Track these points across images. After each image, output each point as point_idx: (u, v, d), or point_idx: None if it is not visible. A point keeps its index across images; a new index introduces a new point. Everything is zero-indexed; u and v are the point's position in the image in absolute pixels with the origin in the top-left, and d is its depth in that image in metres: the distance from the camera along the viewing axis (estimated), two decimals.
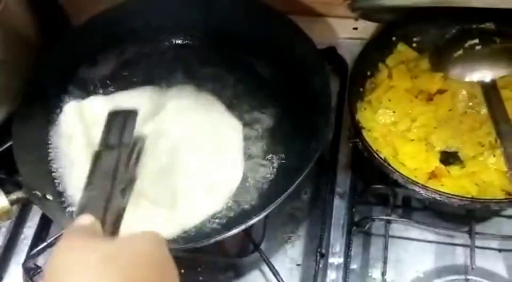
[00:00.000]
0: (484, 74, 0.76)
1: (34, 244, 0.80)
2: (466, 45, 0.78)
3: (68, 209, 0.75)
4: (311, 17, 0.96)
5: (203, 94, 0.83)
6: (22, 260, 0.79)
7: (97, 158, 0.59)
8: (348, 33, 0.96)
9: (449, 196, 0.68)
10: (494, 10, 0.74)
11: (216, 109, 0.81)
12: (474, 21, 0.81)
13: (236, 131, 0.79)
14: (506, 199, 0.69)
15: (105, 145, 0.61)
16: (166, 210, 0.73)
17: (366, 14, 0.84)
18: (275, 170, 0.78)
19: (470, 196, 0.69)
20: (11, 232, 0.83)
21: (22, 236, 0.84)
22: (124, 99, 0.79)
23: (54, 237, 0.78)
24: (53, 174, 0.78)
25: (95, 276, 0.43)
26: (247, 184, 0.77)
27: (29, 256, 0.78)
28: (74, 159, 0.78)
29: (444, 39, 0.81)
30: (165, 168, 0.75)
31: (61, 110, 0.82)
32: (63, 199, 0.76)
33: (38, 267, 0.79)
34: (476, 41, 0.78)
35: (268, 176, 0.77)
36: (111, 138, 0.62)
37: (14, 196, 0.69)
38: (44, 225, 0.83)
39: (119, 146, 0.61)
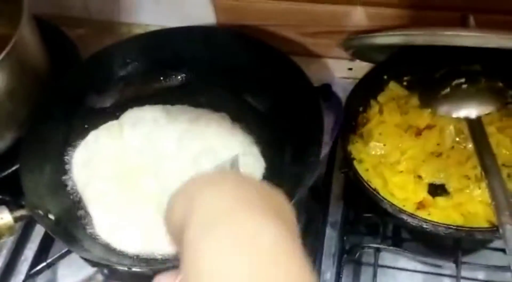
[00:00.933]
0: (470, 111, 0.80)
1: (34, 265, 0.82)
2: (453, 84, 0.82)
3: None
4: (308, 57, 1.01)
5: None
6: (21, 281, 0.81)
7: None
8: (343, 73, 1.01)
9: (435, 224, 0.71)
10: (481, 52, 0.79)
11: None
12: (462, 63, 0.86)
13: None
14: (489, 228, 0.71)
15: None
16: None
17: (359, 53, 0.88)
18: None
19: (455, 225, 0.72)
20: (12, 253, 0.85)
21: (23, 258, 0.85)
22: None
23: (53, 258, 0.80)
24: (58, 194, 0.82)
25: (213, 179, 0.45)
26: None
27: (28, 276, 0.80)
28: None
29: (432, 78, 0.85)
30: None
31: (69, 134, 0.87)
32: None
33: None
34: (463, 80, 0.82)
35: None
36: None
37: (18, 213, 0.72)
38: (45, 247, 0.85)
39: None
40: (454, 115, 0.81)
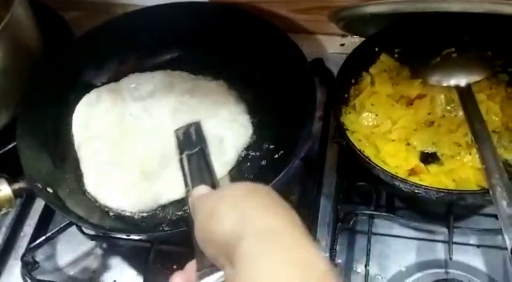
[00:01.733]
0: (460, 79, 0.81)
1: (33, 239, 0.83)
2: (443, 53, 0.84)
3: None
4: (300, 34, 1.02)
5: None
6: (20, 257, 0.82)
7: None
8: (335, 49, 1.02)
9: (427, 188, 0.73)
10: (470, 24, 0.80)
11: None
12: (452, 35, 0.87)
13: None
14: (480, 190, 0.73)
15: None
16: None
17: (349, 25, 0.89)
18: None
19: (446, 188, 0.73)
20: (11, 229, 0.86)
21: (22, 234, 0.87)
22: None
23: (53, 231, 0.81)
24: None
25: (259, 195, 0.49)
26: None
27: (28, 250, 0.81)
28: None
29: (423, 49, 0.86)
30: None
31: (67, 110, 0.88)
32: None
33: (36, 262, 0.82)
34: (453, 50, 0.84)
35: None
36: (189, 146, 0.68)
37: (16, 186, 0.73)
38: (44, 223, 0.86)
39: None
40: (445, 84, 0.82)
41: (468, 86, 0.80)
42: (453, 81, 0.81)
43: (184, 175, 0.63)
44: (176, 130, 0.69)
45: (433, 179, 0.77)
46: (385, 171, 0.75)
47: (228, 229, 0.46)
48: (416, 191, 0.73)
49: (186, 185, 0.61)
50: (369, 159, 0.77)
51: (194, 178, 0.61)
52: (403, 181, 0.74)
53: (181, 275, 0.53)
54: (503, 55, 0.85)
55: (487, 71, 0.83)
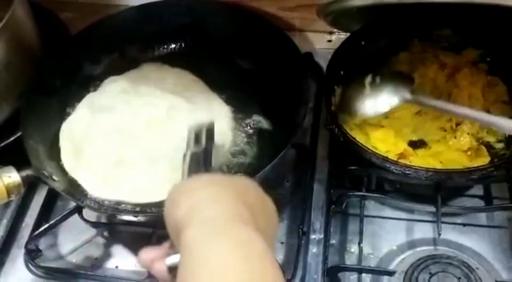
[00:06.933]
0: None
1: (36, 228, 0.85)
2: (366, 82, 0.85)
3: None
4: (290, 31, 1.06)
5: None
6: (23, 245, 0.84)
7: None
8: (324, 44, 1.06)
9: (417, 168, 0.77)
10: (450, 16, 0.85)
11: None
12: (433, 28, 0.92)
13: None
14: (465, 169, 0.77)
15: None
16: None
17: (336, 20, 0.92)
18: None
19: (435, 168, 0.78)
20: (13, 220, 0.89)
21: (24, 224, 0.89)
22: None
23: (56, 219, 0.84)
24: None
25: (216, 188, 0.53)
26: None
27: (32, 238, 0.83)
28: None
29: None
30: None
31: (68, 102, 0.92)
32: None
33: (40, 250, 0.84)
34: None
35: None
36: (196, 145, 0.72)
37: (24, 173, 0.76)
38: (45, 213, 0.89)
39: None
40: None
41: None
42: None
43: (182, 170, 0.67)
44: (190, 127, 0.74)
45: (421, 161, 0.81)
46: (377, 153, 0.79)
47: (180, 216, 0.51)
48: (406, 172, 0.77)
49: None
50: (361, 143, 0.81)
51: (189, 174, 0.65)
52: (394, 163, 0.78)
53: (150, 251, 0.58)
54: (481, 46, 0.91)
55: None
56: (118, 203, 0.82)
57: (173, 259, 0.53)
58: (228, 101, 0.92)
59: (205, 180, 0.57)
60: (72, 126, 0.90)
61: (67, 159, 0.87)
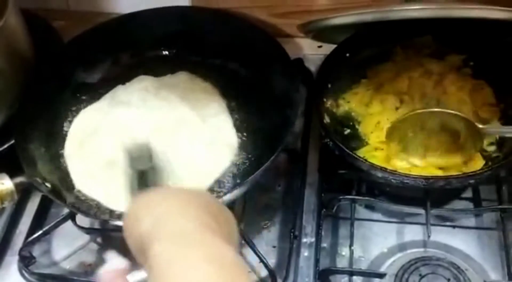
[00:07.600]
0: None
1: (29, 235, 0.85)
2: None
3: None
4: (281, 37, 1.07)
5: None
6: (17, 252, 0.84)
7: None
8: (314, 50, 1.07)
9: (415, 177, 0.78)
10: (431, 24, 0.86)
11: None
12: (414, 36, 0.94)
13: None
14: (465, 174, 0.78)
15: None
16: None
17: (318, 35, 0.94)
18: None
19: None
20: (6, 227, 0.89)
21: (17, 231, 0.89)
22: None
23: (49, 226, 0.84)
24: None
25: (177, 200, 0.54)
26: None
27: (26, 244, 0.84)
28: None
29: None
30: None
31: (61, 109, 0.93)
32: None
33: (33, 257, 0.85)
34: None
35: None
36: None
37: (18, 180, 0.77)
38: (39, 220, 0.89)
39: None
40: None
41: None
42: None
43: (130, 187, 0.69)
44: (127, 146, 0.76)
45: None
46: (374, 165, 0.79)
47: (143, 231, 0.51)
48: (405, 181, 0.78)
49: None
50: (357, 155, 0.81)
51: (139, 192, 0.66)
52: (392, 172, 0.78)
53: (110, 270, 0.57)
54: (463, 51, 0.92)
55: None
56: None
57: (136, 276, 0.52)
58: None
59: (165, 193, 0.57)
60: (87, 115, 0.92)
61: (70, 146, 0.89)
